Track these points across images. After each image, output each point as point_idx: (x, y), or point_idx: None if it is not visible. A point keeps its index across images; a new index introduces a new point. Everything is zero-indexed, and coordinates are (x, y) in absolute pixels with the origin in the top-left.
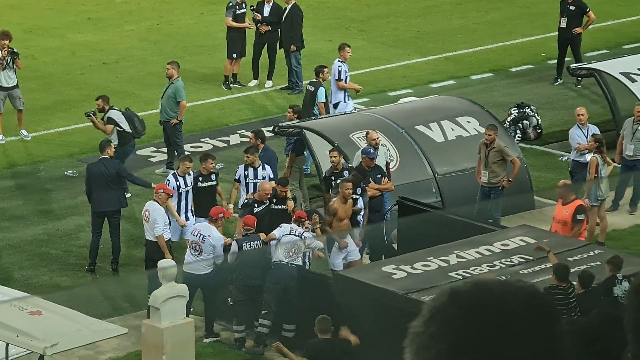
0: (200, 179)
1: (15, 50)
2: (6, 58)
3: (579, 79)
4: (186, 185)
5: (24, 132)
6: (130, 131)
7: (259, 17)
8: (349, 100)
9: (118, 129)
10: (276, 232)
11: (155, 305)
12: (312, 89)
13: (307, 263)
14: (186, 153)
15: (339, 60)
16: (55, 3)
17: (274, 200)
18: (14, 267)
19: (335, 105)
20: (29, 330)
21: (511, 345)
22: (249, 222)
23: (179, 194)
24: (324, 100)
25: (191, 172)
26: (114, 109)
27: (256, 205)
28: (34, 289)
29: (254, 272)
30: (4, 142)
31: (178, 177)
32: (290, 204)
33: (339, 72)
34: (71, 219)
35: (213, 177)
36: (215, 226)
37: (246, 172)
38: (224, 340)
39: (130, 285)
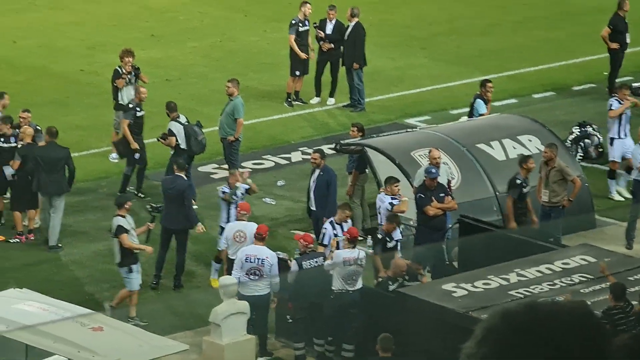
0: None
1: (137, 66)
2: (130, 74)
3: None
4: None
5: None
6: (185, 148)
7: (322, 34)
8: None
9: (176, 141)
10: (338, 254)
11: (216, 322)
12: None
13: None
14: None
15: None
16: (119, 20)
17: None
18: (77, 283)
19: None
20: (90, 346)
21: None
22: (308, 239)
23: (229, 204)
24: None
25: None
26: (177, 121)
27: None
28: (95, 305)
29: (313, 289)
30: (117, 160)
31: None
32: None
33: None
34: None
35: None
36: (263, 244)
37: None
38: (285, 358)
39: (192, 302)
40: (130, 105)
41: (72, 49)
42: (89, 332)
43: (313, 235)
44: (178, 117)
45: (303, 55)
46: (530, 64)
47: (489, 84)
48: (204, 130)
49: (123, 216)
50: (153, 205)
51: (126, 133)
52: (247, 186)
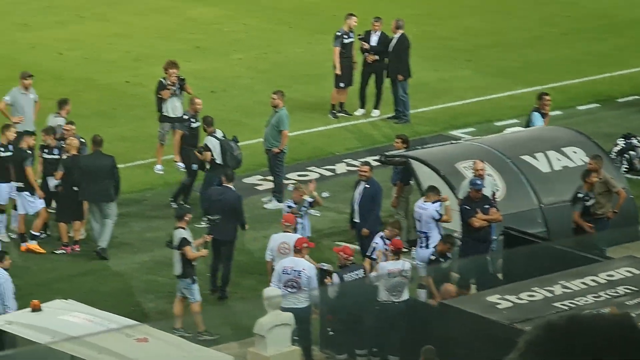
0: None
1: (182, 77)
2: (174, 85)
3: None
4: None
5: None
6: (220, 163)
7: (367, 46)
8: None
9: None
10: (382, 266)
11: (261, 333)
12: None
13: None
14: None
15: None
16: (164, 32)
17: None
18: (122, 294)
19: None
20: (135, 357)
21: None
22: (348, 252)
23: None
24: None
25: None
26: (214, 136)
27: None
28: (140, 316)
29: (354, 301)
30: (162, 172)
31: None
32: None
33: None
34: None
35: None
36: (301, 256)
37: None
38: None
39: (237, 313)
40: (185, 117)
41: (117, 61)
42: (133, 343)
43: (353, 246)
44: (214, 131)
45: (338, 71)
46: (575, 75)
47: (547, 97)
48: (249, 142)
49: (184, 228)
50: (210, 217)
51: (176, 144)
52: (311, 199)
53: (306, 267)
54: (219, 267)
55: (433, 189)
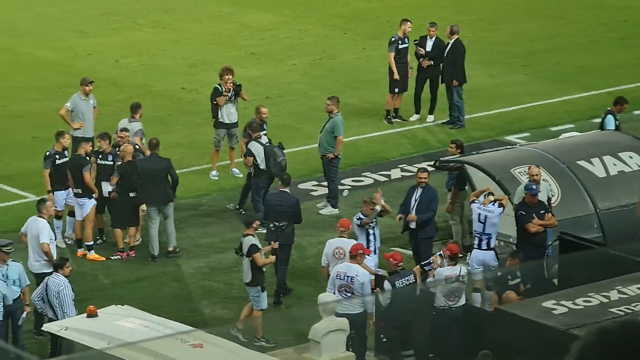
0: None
1: (238, 83)
2: (230, 91)
3: None
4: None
5: (235, 170)
6: (264, 168)
7: (422, 51)
8: None
9: (254, 161)
10: (439, 272)
11: (316, 339)
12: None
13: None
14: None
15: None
16: (220, 38)
17: None
18: (177, 300)
19: None
20: None
21: None
22: (398, 258)
23: (367, 231)
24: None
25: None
26: (258, 141)
27: None
28: (195, 322)
29: (405, 307)
30: (217, 178)
31: (362, 216)
32: None
33: None
34: (232, 252)
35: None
36: (356, 262)
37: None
38: None
39: (291, 318)
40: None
41: (173, 67)
42: (189, 348)
43: (403, 251)
44: (260, 137)
45: (396, 77)
46: (631, 80)
47: (625, 105)
48: (304, 148)
49: (253, 235)
50: (277, 224)
51: (242, 150)
52: (380, 208)
53: (360, 273)
54: (276, 271)
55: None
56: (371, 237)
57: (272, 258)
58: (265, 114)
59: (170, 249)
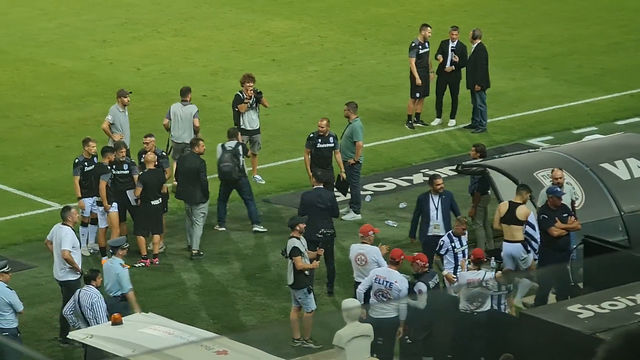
0: None
1: (259, 90)
2: (252, 98)
3: None
4: (461, 245)
5: (257, 177)
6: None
7: (457, 58)
8: None
9: None
10: (462, 275)
11: (340, 345)
12: None
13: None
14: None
15: None
16: (240, 45)
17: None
18: (201, 307)
19: None
20: None
21: None
22: (424, 259)
23: (455, 255)
24: None
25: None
26: (222, 145)
27: None
28: (220, 329)
29: (430, 309)
30: (263, 182)
31: (453, 237)
32: None
33: None
34: (256, 258)
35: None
36: (396, 268)
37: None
38: None
39: (317, 324)
40: (311, 135)
41: (194, 75)
42: (213, 355)
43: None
44: (228, 142)
45: (419, 82)
46: None
47: None
48: None
49: (298, 238)
50: (324, 231)
51: (306, 162)
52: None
53: (399, 279)
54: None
55: (524, 188)
56: (459, 255)
57: (315, 264)
58: (321, 127)
59: (194, 251)
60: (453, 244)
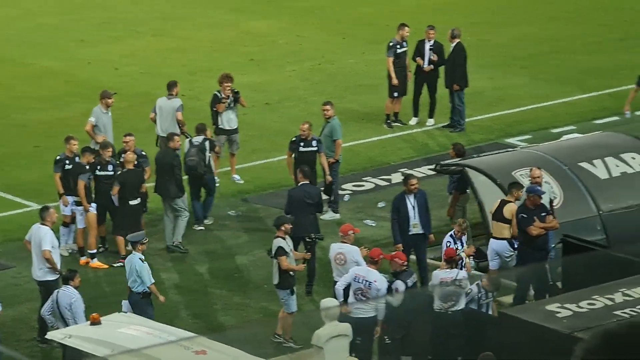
0: None
1: (236, 90)
2: (229, 98)
3: None
4: (462, 246)
5: (236, 177)
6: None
7: (435, 57)
8: None
9: None
10: (435, 275)
11: (319, 345)
12: None
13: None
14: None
15: None
16: (219, 45)
17: None
18: (180, 307)
19: None
20: None
21: None
22: (403, 257)
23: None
24: None
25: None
26: (190, 141)
27: None
28: (198, 329)
29: (407, 308)
30: (218, 184)
31: (455, 239)
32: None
33: None
34: (234, 258)
35: None
36: (376, 268)
37: None
38: None
39: (294, 324)
40: (293, 139)
41: (173, 75)
42: (192, 355)
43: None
44: (196, 137)
45: (395, 82)
46: (632, 81)
47: None
48: None
49: (283, 237)
50: (313, 236)
51: (288, 164)
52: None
53: (378, 279)
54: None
55: (515, 185)
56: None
57: (300, 267)
58: (303, 129)
59: (175, 242)
60: (456, 246)
